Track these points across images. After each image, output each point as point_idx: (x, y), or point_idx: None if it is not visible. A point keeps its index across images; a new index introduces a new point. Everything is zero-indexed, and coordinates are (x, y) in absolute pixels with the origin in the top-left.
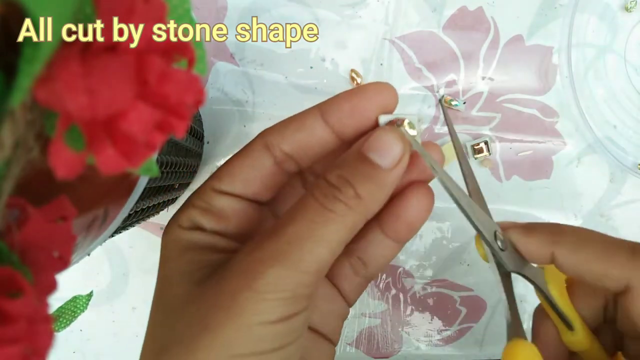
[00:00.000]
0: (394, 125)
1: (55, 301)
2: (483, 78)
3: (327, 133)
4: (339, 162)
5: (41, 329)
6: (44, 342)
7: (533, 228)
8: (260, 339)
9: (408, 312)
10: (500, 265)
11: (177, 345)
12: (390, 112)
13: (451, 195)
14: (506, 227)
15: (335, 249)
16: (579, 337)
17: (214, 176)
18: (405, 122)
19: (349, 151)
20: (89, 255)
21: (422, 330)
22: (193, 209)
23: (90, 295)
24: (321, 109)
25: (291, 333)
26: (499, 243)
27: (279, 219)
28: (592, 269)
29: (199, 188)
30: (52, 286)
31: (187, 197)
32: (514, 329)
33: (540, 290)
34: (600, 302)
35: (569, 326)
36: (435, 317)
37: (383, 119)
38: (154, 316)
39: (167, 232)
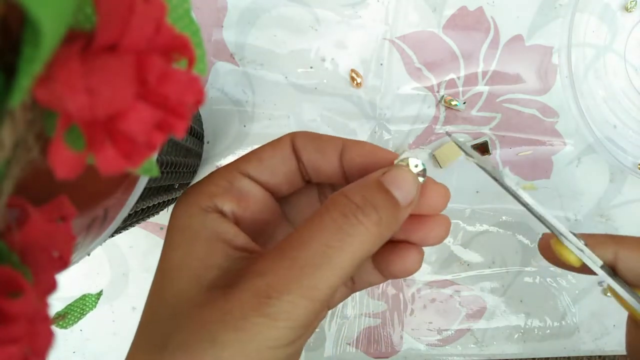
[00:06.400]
0: (405, 166)
1: (56, 301)
2: (483, 78)
3: (339, 168)
4: (357, 186)
5: (41, 329)
6: (44, 342)
7: (592, 234)
8: None
9: (408, 312)
10: (593, 263)
11: (179, 351)
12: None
13: (524, 204)
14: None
15: (346, 276)
16: None
17: (242, 159)
18: (412, 164)
19: (367, 179)
20: (89, 255)
21: (422, 330)
22: (215, 187)
23: (99, 294)
24: (345, 145)
25: (294, 354)
26: (582, 241)
27: (293, 233)
28: None
29: (222, 169)
30: (52, 286)
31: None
32: None
33: (632, 292)
34: None
35: None
36: (435, 317)
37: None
38: (154, 304)
39: (182, 209)
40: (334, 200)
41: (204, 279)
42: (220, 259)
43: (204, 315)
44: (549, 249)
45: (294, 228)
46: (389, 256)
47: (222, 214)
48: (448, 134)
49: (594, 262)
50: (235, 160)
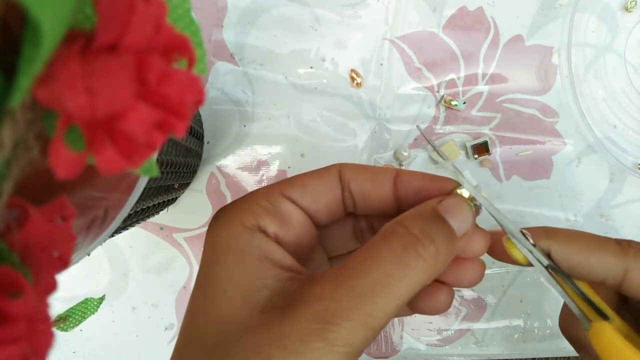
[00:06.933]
0: (462, 196)
1: (56, 301)
2: (483, 78)
3: (392, 196)
4: (414, 215)
5: (41, 329)
6: (44, 342)
7: (530, 228)
8: None
9: None
10: (538, 262)
11: None
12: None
13: (482, 204)
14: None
15: (401, 306)
16: (617, 324)
17: (285, 182)
18: (467, 194)
19: (423, 207)
20: (89, 255)
21: (422, 330)
22: (258, 207)
23: (102, 299)
24: (398, 175)
25: None
26: (530, 240)
27: (351, 261)
28: (589, 259)
29: (263, 189)
30: (52, 286)
31: (237, 203)
32: (586, 315)
33: (574, 285)
34: (612, 290)
35: (604, 316)
36: (435, 317)
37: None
38: (195, 326)
39: (224, 226)
40: (392, 231)
41: (255, 300)
42: (269, 279)
43: (258, 338)
44: (496, 245)
45: (327, 255)
46: (421, 293)
47: (266, 234)
48: (418, 127)
49: (541, 262)
50: (277, 183)
